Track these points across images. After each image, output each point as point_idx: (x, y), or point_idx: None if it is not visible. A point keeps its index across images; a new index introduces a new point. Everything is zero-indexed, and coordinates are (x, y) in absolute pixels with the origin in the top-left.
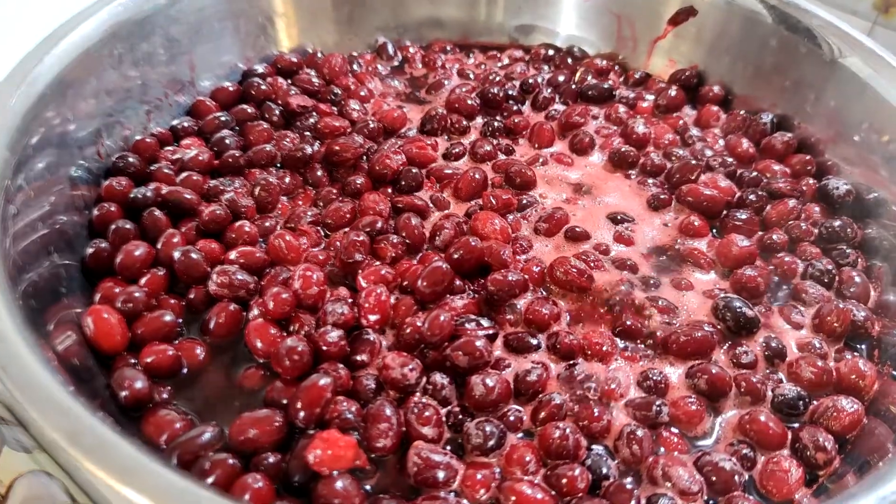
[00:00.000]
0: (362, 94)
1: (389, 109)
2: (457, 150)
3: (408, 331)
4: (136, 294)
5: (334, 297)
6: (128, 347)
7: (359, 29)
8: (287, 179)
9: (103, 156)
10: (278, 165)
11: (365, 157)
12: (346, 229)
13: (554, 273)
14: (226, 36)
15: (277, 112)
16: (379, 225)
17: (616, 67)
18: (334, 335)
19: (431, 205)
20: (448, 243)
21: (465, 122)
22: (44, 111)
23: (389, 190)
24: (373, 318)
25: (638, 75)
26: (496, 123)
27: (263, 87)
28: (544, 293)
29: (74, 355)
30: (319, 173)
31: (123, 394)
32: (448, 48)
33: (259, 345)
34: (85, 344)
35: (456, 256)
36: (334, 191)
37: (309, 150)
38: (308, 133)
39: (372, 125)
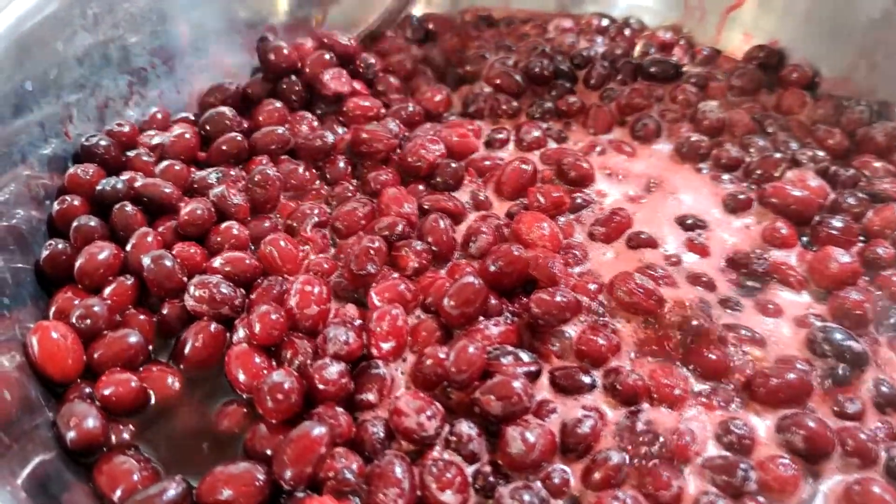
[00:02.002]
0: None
1: (431, 92)
2: (500, 135)
3: (428, 364)
4: (96, 308)
5: (339, 318)
6: (84, 374)
7: None
8: (301, 171)
9: (72, 136)
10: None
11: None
12: (361, 234)
13: (615, 292)
14: None
15: (298, 87)
16: (399, 228)
17: (681, 41)
18: (334, 371)
19: (469, 202)
20: (485, 252)
21: (514, 104)
22: None
23: (421, 186)
24: (386, 346)
25: (706, 51)
26: (546, 104)
27: (285, 51)
28: (601, 318)
29: (8, 385)
30: (342, 164)
31: (70, 435)
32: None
33: (241, 377)
34: (29, 369)
35: (493, 269)
36: (350, 186)
37: (331, 138)
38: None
39: (411, 108)
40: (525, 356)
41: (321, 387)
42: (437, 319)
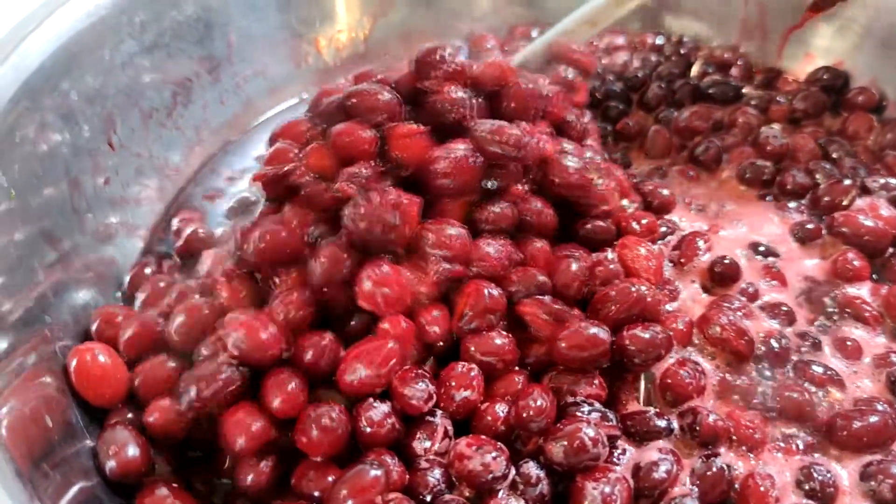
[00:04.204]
0: None
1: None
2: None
3: (487, 419)
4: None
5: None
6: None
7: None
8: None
9: (115, 147)
10: None
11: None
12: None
13: (708, 328)
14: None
15: None
16: (540, 280)
17: (739, 61)
18: (380, 412)
19: None
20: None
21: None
22: (41, 87)
23: None
24: (458, 401)
25: (767, 73)
26: (607, 127)
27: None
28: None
29: (49, 409)
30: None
31: (110, 464)
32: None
33: (240, 441)
34: (69, 392)
35: (612, 315)
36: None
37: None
38: None
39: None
40: (612, 416)
41: (366, 429)
42: (524, 376)
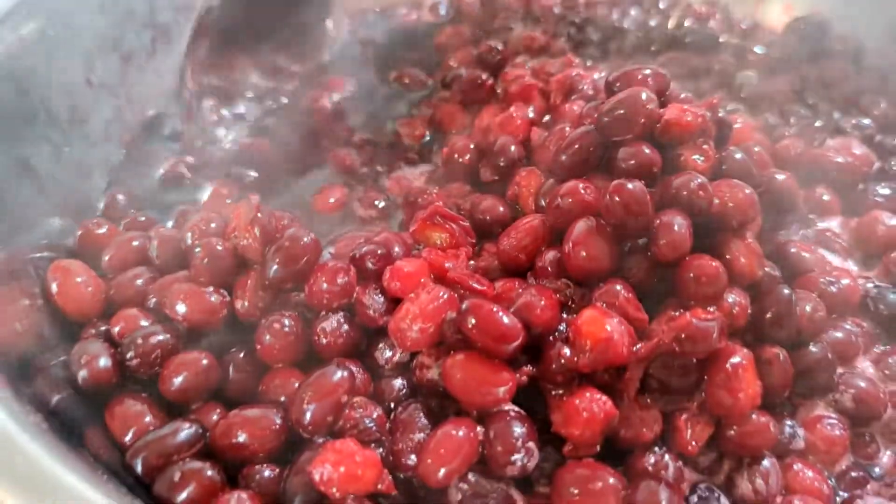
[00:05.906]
0: None
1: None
2: None
3: None
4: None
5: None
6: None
7: None
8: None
9: (94, 84)
10: None
11: None
12: None
13: None
14: None
15: None
16: None
17: (718, 14)
18: (334, 321)
19: None
20: None
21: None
22: (9, 19)
23: None
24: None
25: (745, 24)
26: None
27: None
28: None
29: (20, 320)
30: None
31: (81, 374)
32: None
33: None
34: (44, 307)
35: None
36: None
37: None
38: None
39: None
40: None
41: (322, 340)
42: None
